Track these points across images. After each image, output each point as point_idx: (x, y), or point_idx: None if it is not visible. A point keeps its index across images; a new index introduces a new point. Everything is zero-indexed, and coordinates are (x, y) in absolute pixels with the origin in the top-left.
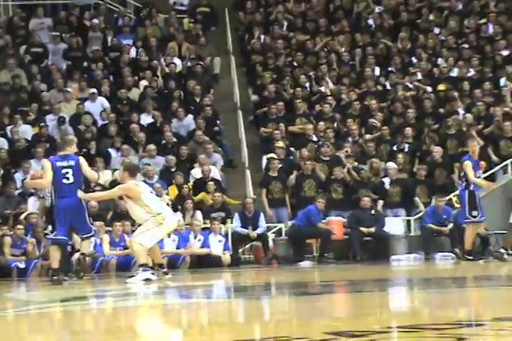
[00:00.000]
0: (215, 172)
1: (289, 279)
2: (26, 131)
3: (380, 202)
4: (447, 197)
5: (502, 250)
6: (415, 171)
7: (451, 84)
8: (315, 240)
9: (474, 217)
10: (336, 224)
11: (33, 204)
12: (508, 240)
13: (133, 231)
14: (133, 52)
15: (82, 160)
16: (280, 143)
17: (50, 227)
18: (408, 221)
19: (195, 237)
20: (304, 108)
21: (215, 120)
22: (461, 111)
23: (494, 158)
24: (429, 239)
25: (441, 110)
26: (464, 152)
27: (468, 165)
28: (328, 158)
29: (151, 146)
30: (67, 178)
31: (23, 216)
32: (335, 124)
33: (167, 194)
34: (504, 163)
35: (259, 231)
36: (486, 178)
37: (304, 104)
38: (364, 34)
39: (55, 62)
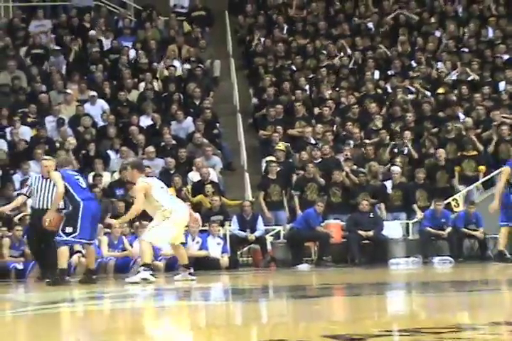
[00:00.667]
0: (214, 175)
1: (287, 282)
2: (25, 133)
3: (382, 206)
4: (446, 201)
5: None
6: (415, 174)
7: (451, 88)
8: (313, 243)
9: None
10: (334, 227)
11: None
12: None
13: (132, 233)
14: (132, 55)
15: None
16: (281, 146)
17: (68, 229)
18: (407, 224)
19: (193, 239)
20: (303, 111)
21: (214, 123)
22: (461, 115)
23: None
24: (427, 242)
25: (441, 114)
26: (463, 156)
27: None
28: (320, 160)
29: (150, 148)
30: (82, 183)
31: (17, 217)
32: (334, 127)
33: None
34: (503, 168)
35: (257, 234)
36: (485, 183)
37: (303, 107)
38: (364, 38)
39: (55, 64)
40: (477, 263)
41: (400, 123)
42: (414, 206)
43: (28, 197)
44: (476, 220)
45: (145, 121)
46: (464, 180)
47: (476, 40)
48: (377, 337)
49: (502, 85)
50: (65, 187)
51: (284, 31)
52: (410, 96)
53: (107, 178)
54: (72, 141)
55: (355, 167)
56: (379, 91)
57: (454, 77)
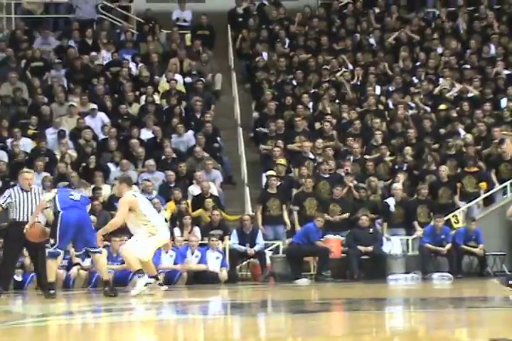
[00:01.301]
0: (214, 189)
1: (286, 297)
2: (26, 144)
3: (385, 225)
4: (446, 217)
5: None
6: (417, 191)
7: (452, 104)
8: (313, 258)
9: None
10: (333, 242)
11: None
12: None
13: None
14: (133, 68)
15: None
16: (282, 161)
17: (52, 240)
18: (407, 240)
19: (192, 253)
20: (304, 126)
21: (215, 136)
22: (461, 131)
23: (494, 179)
24: (426, 258)
25: (442, 130)
26: (463, 172)
27: None
28: (327, 176)
29: (151, 161)
30: (73, 195)
31: None
32: (335, 142)
33: (165, 209)
34: (503, 185)
35: (256, 248)
36: (485, 199)
37: (304, 122)
38: (366, 53)
39: (57, 76)
40: (476, 280)
41: (401, 139)
42: (415, 222)
43: (5, 209)
44: (475, 237)
45: (146, 134)
46: (464, 197)
47: (478, 56)
48: None
49: (504, 102)
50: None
51: (286, 46)
52: (411, 112)
53: (106, 191)
54: (72, 153)
55: (355, 182)
56: (380, 106)
57: (455, 94)
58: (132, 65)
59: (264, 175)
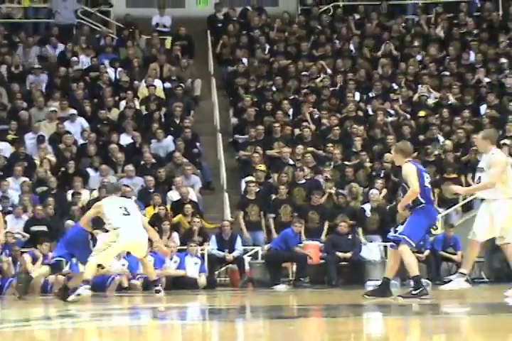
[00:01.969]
0: (193, 195)
1: (264, 303)
2: (5, 149)
3: (360, 230)
4: None
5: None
6: (395, 197)
7: (431, 111)
8: (291, 264)
9: None
10: (312, 248)
11: (10, 223)
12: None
13: None
14: (112, 73)
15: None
16: (261, 167)
17: None
18: (384, 247)
19: (171, 259)
20: (283, 132)
21: (194, 142)
22: (440, 138)
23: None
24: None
25: (421, 136)
26: (442, 178)
27: None
28: (303, 182)
29: (130, 167)
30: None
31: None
32: (314, 148)
33: (144, 215)
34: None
35: (235, 254)
36: (464, 205)
37: (284, 128)
38: (345, 59)
39: (36, 82)
40: None
41: (380, 145)
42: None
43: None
44: (454, 243)
45: (125, 140)
46: (443, 203)
47: (457, 63)
48: None
49: (483, 109)
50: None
51: (266, 51)
52: (391, 119)
53: (86, 196)
54: (51, 158)
55: (334, 188)
56: (360, 113)
57: (435, 100)
58: (111, 70)
59: (243, 180)
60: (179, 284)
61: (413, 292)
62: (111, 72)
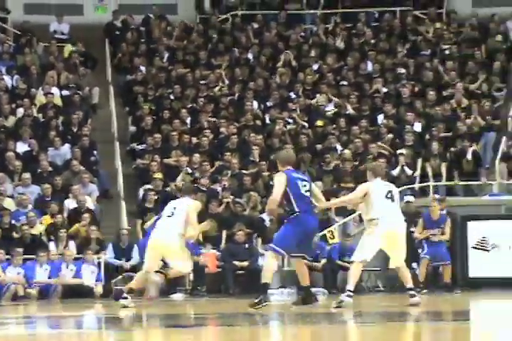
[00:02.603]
0: (90, 203)
1: (161, 311)
2: None
3: (259, 240)
4: (322, 233)
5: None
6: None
7: (329, 121)
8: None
9: None
10: (209, 257)
11: None
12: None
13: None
14: (8, 80)
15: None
16: (159, 175)
17: None
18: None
19: (67, 267)
20: (181, 140)
21: (91, 150)
22: (338, 147)
23: None
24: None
25: (319, 145)
26: (340, 187)
27: None
28: (202, 190)
29: (26, 175)
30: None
31: None
32: (212, 157)
33: (41, 223)
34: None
35: (132, 262)
36: (360, 215)
37: (181, 136)
38: (243, 68)
39: None
40: None
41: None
42: None
43: None
44: (351, 253)
45: (22, 147)
46: (340, 212)
47: (355, 73)
48: None
49: (380, 118)
50: None
51: (165, 60)
52: (289, 127)
53: None
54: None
55: (231, 197)
56: (258, 122)
57: (332, 109)
58: (8, 78)
59: (141, 189)
60: (76, 292)
61: (255, 300)
62: (8, 80)
